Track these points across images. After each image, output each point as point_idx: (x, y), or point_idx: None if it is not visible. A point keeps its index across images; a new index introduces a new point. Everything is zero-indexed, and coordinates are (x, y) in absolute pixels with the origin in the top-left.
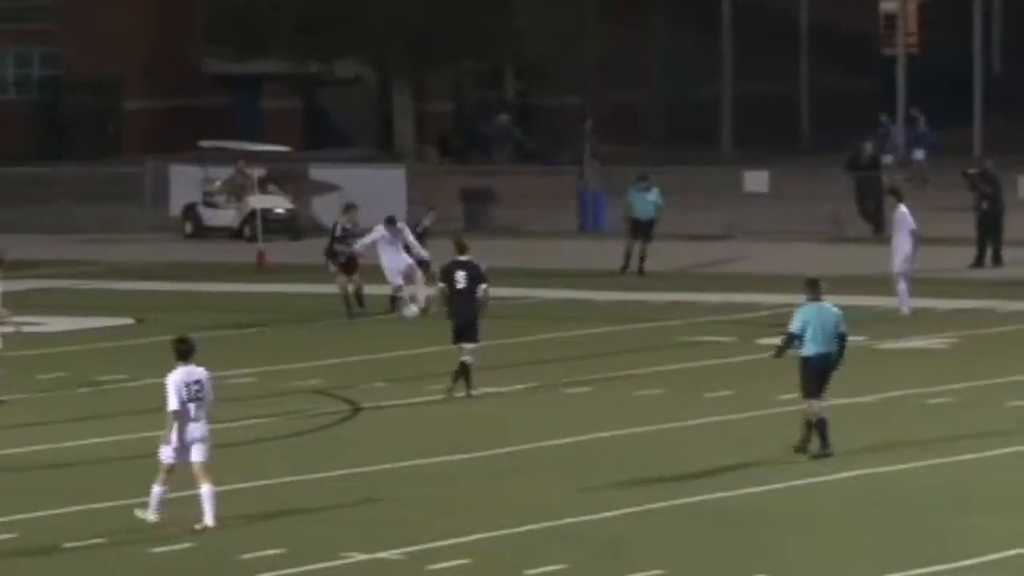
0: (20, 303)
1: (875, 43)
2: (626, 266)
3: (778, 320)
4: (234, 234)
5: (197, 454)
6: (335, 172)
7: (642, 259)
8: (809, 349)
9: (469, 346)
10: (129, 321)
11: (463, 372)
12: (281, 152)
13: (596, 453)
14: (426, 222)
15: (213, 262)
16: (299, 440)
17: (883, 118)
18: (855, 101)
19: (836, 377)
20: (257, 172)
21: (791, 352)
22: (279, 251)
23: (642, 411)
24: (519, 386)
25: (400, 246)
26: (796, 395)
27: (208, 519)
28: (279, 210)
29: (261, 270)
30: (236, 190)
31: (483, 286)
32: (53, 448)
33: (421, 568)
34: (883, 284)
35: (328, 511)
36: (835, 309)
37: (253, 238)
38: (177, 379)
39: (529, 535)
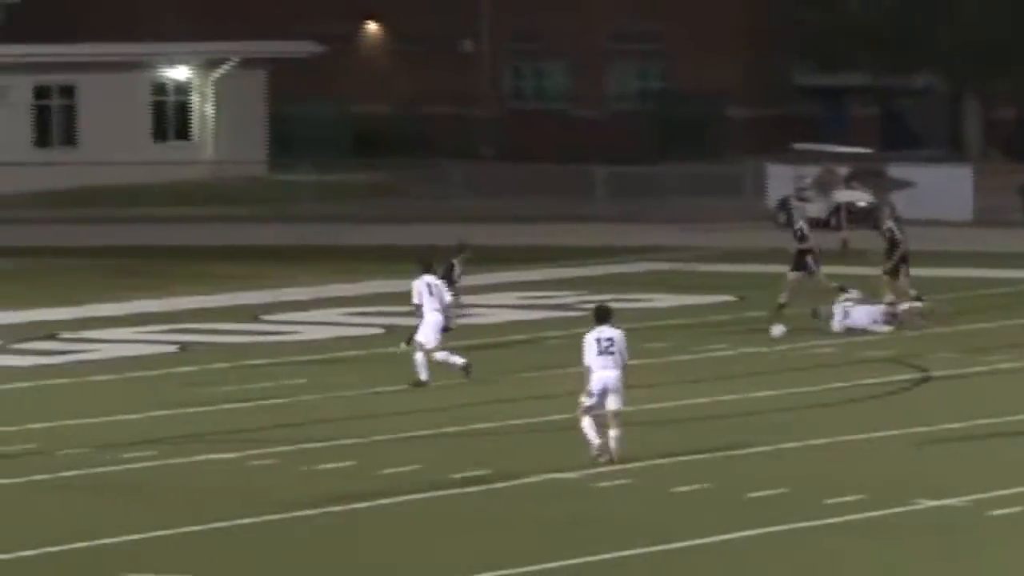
0: (634, 282)
1: None
2: None
3: None
4: (822, 224)
5: (611, 402)
6: (910, 170)
7: None
8: None
9: None
10: (731, 298)
11: None
12: (864, 153)
13: None
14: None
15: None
16: (873, 403)
17: None
18: None
19: None
20: (842, 170)
21: None
22: (861, 239)
23: None
24: None
25: None
26: None
27: (613, 455)
28: (861, 203)
29: (845, 255)
30: (824, 186)
31: None
32: (659, 407)
33: (981, 514)
34: None
35: (901, 463)
36: None
37: (838, 227)
38: (591, 337)
39: None
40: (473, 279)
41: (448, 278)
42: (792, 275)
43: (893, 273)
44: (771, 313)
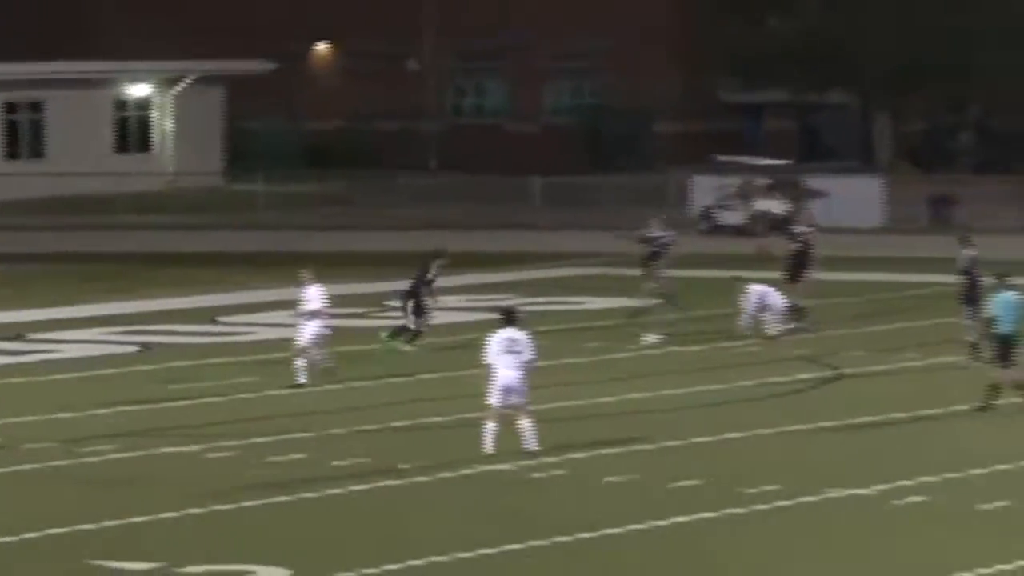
0: (568, 285)
1: None
2: None
3: None
4: (741, 231)
5: (516, 399)
6: (824, 181)
7: None
8: (1006, 328)
9: None
10: (656, 300)
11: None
12: (781, 165)
13: None
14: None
15: (724, 253)
16: (782, 400)
17: None
18: None
19: None
20: (761, 181)
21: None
22: (778, 245)
23: None
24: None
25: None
26: None
27: (530, 445)
28: (779, 211)
29: (763, 261)
30: (744, 196)
31: None
32: (587, 403)
33: (886, 503)
34: None
35: (812, 455)
36: (1018, 296)
37: (757, 234)
38: (495, 338)
39: (987, 476)
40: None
41: (424, 280)
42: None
43: (794, 278)
44: (676, 315)
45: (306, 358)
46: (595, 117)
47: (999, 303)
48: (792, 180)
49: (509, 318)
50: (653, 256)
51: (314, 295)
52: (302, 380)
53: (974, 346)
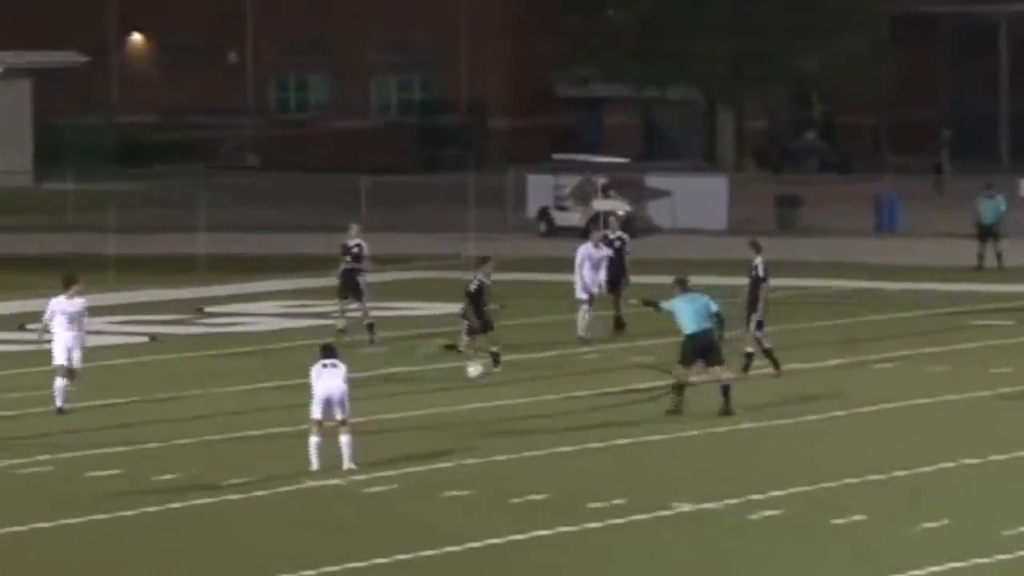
0: (396, 290)
1: None
2: (980, 265)
3: None
4: (580, 233)
5: (338, 413)
6: (667, 180)
7: (999, 255)
8: (690, 328)
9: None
10: (494, 306)
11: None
12: (621, 163)
13: (896, 420)
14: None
15: (562, 256)
16: (627, 409)
17: None
18: None
19: None
20: (600, 180)
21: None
22: None
23: (932, 384)
24: (831, 362)
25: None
26: None
27: (346, 464)
28: (619, 212)
29: None
30: (583, 195)
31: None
32: (423, 414)
33: (741, 518)
34: None
35: (665, 467)
36: (705, 297)
37: None
38: (316, 366)
39: (840, 489)
40: (238, 288)
41: (480, 290)
42: (351, 302)
43: (613, 287)
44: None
45: (70, 378)
46: (426, 113)
47: (682, 304)
48: (633, 179)
49: (328, 352)
50: (353, 271)
51: (80, 307)
52: (62, 404)
53: (749, 355)
